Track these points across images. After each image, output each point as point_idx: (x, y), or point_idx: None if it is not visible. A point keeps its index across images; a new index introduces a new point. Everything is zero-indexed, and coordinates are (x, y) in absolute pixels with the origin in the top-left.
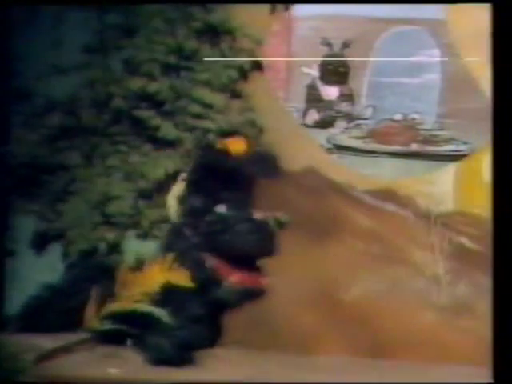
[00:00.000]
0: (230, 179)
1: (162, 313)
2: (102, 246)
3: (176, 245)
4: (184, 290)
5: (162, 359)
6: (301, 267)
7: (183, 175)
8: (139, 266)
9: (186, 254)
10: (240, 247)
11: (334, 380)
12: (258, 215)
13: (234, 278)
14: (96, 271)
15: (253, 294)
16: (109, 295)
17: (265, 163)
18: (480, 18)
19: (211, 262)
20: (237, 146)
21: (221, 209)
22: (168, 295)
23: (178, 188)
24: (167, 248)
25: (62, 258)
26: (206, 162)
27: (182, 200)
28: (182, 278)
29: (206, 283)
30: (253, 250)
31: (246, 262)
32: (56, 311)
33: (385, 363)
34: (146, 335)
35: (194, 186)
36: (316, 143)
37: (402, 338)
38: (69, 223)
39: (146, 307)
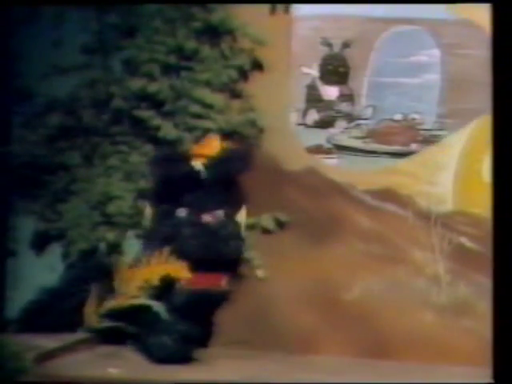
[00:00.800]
0: (192, 183)
1: (159, 306)
2: (102, 246)
3: (145, 250)
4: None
5: (165, 357)
6: (301, 267)
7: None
8: (137, 263)
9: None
10: (187, 251)
11: (334, 380)
12: (205, 218)
13: (190, 280)
14: (95, 270)
15: (212, 296)
16: (108, 293)
17: (238, 159)
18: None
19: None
20: (210, 148)
21: (181, 213)
22: (165, 289)
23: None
24: (143, 252)
25: (63, 257)
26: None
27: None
28: (179, 270)
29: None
30: (197, 253)
31: (209, 264)
32: (56, 311)
33: (385, 363)
34: (147, 335)
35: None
36: (316, 143)
37: (402, 338)
38: (69, 223)
39: (142, 300)
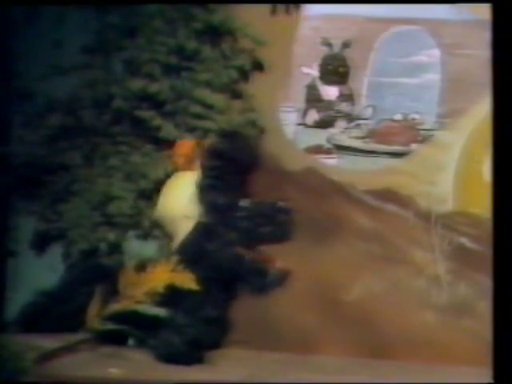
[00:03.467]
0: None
1: (164, 314)
2: (103, 247)
3: (209, 244)
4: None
5: (172, 356)
6: (302, 267)
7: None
8: (142, 266)
9: (221, 252)
10: (284, 237)
11: (334, 380)
12: (281, 204)
13: (277, 265)
14: (98, 271)
15: (286, 277)
16: (112, 295)
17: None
18: None
19: (250, 254)
20: (184, 148)
21: (245, 203)
22: (171, 296)
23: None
24: (197, 247)
25: (63, 258)
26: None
27: (199, 198)
28: (186, 280)
29: (252, 274)
30: (291, 238)
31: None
32: (58, 312)
33: (385, 363)
34: (156, 333)
35: (212, 183)
36: (316, 143)
37: (402, 338)
38: (69, 223)
39: (147, 309)
